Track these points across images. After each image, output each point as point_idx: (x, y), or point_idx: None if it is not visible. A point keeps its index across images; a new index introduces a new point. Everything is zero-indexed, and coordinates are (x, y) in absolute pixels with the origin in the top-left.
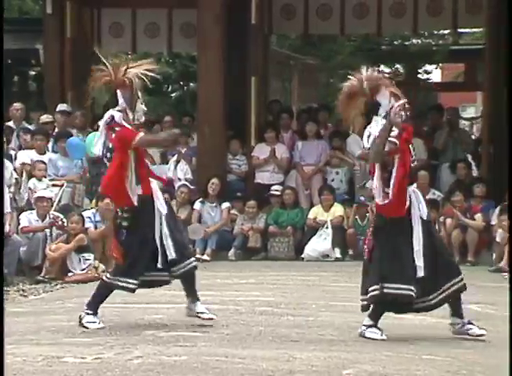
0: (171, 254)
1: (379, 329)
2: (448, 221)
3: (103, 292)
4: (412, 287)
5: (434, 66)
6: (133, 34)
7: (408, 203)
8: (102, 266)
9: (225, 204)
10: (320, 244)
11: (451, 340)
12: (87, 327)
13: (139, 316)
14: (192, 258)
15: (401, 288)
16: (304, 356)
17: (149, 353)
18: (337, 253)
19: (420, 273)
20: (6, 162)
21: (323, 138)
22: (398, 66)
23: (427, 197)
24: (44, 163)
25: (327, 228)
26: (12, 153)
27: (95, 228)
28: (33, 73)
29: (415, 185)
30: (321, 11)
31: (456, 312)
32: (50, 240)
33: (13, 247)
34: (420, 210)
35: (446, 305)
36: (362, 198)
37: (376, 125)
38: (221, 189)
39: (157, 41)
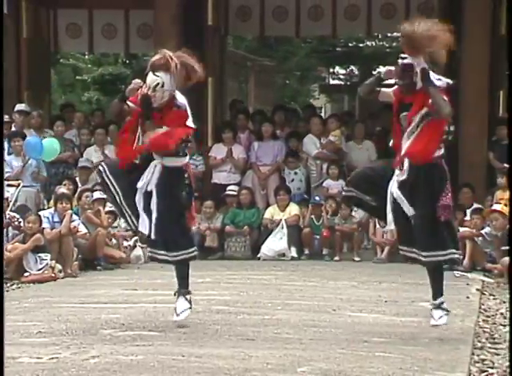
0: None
1: None
2: None
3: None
4: None
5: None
6: (90, 34)
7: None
8: (58, 266)
9: None
10: (276, 243)
11: (405, 338)
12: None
13: (96, 316)
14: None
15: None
16: (260, 354)
17: (106, 353)
18: (293, 252)
19: None
20: None
21: (279, 138)
22: (352, 67)
23: None
24: None
25: (283, 227)
26: None
27: (52, 228)
28: None
29: None
30: (277, 13)
31: None
32: (6, 240)
33: None
34: None
35: (399, 303)
36: (318, 198)
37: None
38: None
39: (114, 42)
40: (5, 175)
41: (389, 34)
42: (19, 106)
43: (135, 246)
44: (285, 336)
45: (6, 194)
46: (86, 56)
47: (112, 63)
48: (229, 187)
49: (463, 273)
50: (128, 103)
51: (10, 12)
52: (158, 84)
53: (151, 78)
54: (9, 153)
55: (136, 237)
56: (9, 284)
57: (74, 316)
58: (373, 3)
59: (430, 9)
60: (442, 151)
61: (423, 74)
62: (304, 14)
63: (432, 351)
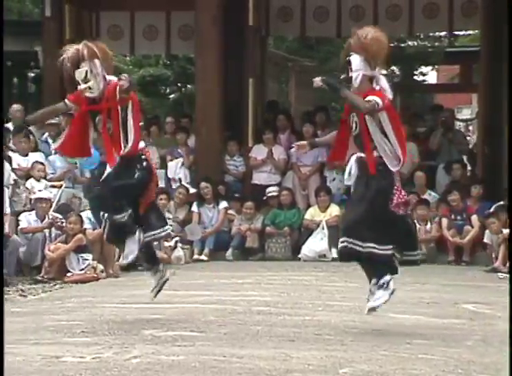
0: None
1: None
2: (444, 221)
3: None
4: None
5: (430, 67)
6: (131, 36)
7: None
8: (100, 266)
9: (223, 205)
10: (317, 244)
11: (447, 340)
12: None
13: (137, 316)
14: None
15: None
16: (301, 355)
17: (148, 353)
18: (334, 253)
19: None
20: (5, 164)
21: None
22: (394, 67)
23: (423, 197)
24: (42, 164)
25: (323, 228)
26: (11, 154)
27: (94, 229)
28: (32, 75)
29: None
30: (318, 13)
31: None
32: (49, 240)
33: (12, 248)
34: None
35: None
36: None
37: None
38: (214, 191)
39: (156, 44)
40: (48, 176)
41: (431, 34)
42: None
43: (175, 247)
44: (326, 337)
45: (49, 195)
46: (127, 58)
47: (153, 64)
48: (270, 188)
49: (506, 275)
50: (68, 102)
51: (54, 14)
52: (86, 71)
53: (77, 73)
54: (55, 153)
55: (177, 238)
56: (51, 284)
57: (116, 316)
58: (415, 2)
59: (474, 7)
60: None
61: (326, 83)
62: (345, 14)
63: (476, 353)
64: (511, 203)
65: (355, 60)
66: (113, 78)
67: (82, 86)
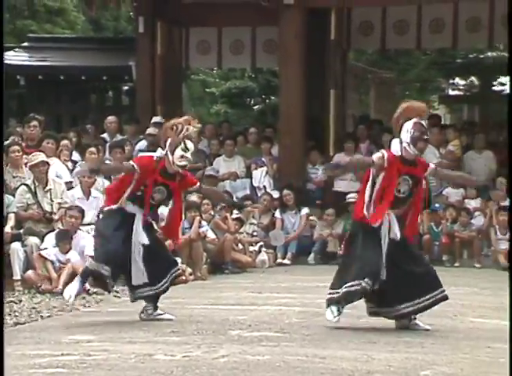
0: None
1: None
2: None
3: None
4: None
5: (509, 78)
6: (219, 51)
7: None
8: (189, 270)
9: (304, 211)
10: None
11: None
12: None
13: (224, 317)
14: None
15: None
16: (382, 357)
17: (235, 352)
18: None
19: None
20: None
21: None
22: (472, 78)
23: (503, 204)
24: None
25: None
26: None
27: (183, 234)
28: (126, 88)
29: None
30: (398, 26)
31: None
32: None
33: None
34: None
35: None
36: (437, 205)
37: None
38: (296, 198)
39: (241, 58)
40: None
41: None
42: (156, 119)
43: (260, 251)
44: (407, 339)
45: None
46: (214, 71)
47: (239, 77)
48: (349, 195)
49: None
50: (136, 166)
51: (146, 31)
52: (193, 150)
53: (188, 143)
54: None
55: (261, 243)
56: None
57: (204, 316)
58: (496, 14)
59: None
60: None
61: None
62: (425, 26)
63: None
64: (511, 203)
65: None
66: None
67: (180, 156)
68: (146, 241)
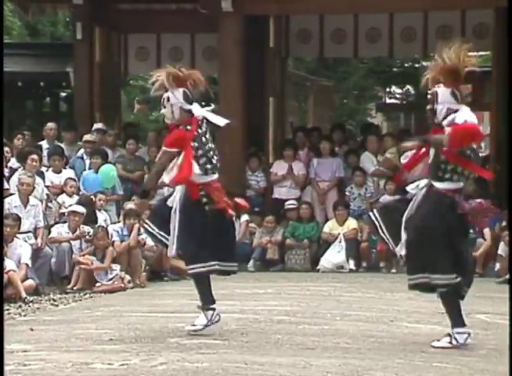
0: None
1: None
2: None
3: None
4: None
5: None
6: (158, 57)
7: None
8: (127, 277)
9: (244, 217)
10: (335, 256)
11: (461, 349)
12: None
13: (163, 324)
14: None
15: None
16: (320, 363)
17: (173, 360)
18: (351, 265)
19: None
20: (38, 178)
21: (338, 155)
22: (408, 87)
23: None
24: (74, 180)
25: (341, 241)
26: (44, 169)
27: (122, 241)
28: (64, 94)
29: None
30: (335, 35)
31: None
32: (80, 250)
33: (45, 259)
34: None
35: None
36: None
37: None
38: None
39: (180, 65)
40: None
41: None
42: (97, 125)
43: None
44: (344, 346)
45: (82, 209)
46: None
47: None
48: (289, 201)
49: None
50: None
51: (84, 37)
52: (163, 99)
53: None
54: (89, 169)
55: None
56: (81, 294)
57: (143, 324)
58: (429, 25)
59: (485, 30)
60: None
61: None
62: (361, 36)
63: (489, 362)
64: (511, 204)
65: (443, 93)
66: (197, 110)
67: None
68: None
